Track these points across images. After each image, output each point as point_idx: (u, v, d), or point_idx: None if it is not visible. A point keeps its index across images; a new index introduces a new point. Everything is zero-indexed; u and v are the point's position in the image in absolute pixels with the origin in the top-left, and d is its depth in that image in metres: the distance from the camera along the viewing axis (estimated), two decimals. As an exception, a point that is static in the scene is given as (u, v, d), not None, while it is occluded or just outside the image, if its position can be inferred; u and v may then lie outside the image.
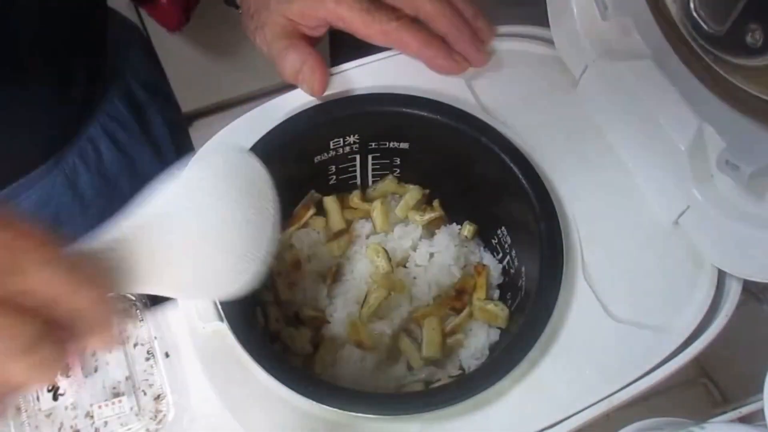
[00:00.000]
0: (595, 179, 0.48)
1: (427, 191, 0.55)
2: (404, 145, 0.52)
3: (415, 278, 0.51)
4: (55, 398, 0.42)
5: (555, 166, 0.48)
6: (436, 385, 0.47)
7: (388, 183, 0.54)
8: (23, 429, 0.42)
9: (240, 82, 1.56)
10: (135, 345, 0.45)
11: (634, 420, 0.41)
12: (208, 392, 0.41)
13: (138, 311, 0.46)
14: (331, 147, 0.51)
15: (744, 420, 0.45)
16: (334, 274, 0.51)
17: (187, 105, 1.63)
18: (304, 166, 0.51)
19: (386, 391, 0.47)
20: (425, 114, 0.48)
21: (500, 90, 0.52)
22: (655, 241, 0.47)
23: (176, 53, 1.45)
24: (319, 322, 0.49)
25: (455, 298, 0.50)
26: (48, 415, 0.42)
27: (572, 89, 0.52)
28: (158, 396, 0.43)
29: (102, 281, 0.28)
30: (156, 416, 0.42)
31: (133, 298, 0.46)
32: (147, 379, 0.44)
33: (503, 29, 0.54)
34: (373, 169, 0.54)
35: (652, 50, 0.46)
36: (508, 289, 0.51)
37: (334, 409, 0.39)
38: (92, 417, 0.42)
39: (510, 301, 0.49)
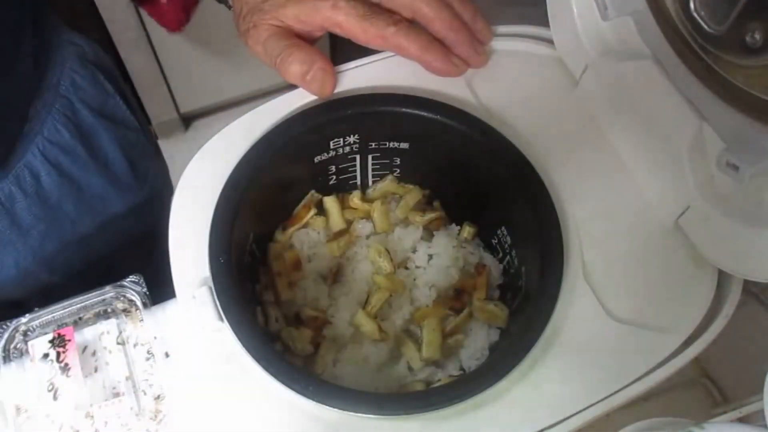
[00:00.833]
0: (595, 179, 0.48)
1: (427, 191, 0.55)
2: (404, 145, 0.52)
3: (415, 279, 0.51)
4: (55, 398, 0.42)
5: (555, 166, 0.48)
6: (437, 385, 0.47)
7: (388, 183, 0.54)
8: (23, 429, 0.42)
9: (240, 82, 1.56)
10: (135, 345, 0.45)
11: (634, 420, 0.41)
12: (208, 392, 0.41)
13: (138, 311, 0.46)
14: (331, 147, 0.51)
15: (744, 420, 0.45)
16: (335, 275, 0.51)
17: (186, 105, 1.64)
18: (304, 166, 0.51)
19: (387, 391, 0.47)
20: (425, 114, 0.48)
21: (500, 90, 0.52)
22: (655, 241, 0.47)
23: (176, 53, 1.46)
24: (319, 322, 0.49)
25: (454, 298, 0.50)
26: (48, 415, 0.42)
27: (572, 89, 0.52)
28: (158, 396, 0.43)
29: None
30: (156, 416, 0.42)
31: (133, 298, 0.46)
32: (147, 379, 0.44)
33: (503, 29, 0.54)
34: (373, 170, 0.54)
35: (652, 50, 0.46)
36: (508, 289, 0.51)
37: (335, 409, 0.39)
38: (92, 417, 0.42)
39: (510, 302, 0.49)
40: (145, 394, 0.43)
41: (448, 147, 0.50)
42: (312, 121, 0.48)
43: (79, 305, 0.46)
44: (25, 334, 0.45)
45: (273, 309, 0.49)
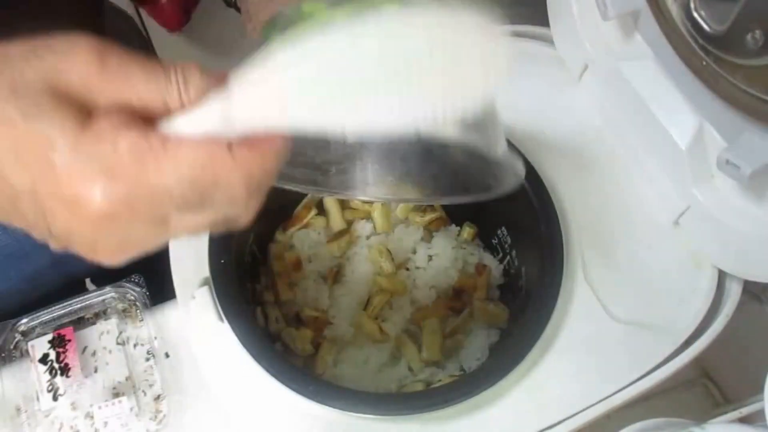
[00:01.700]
0: (596, 179, 0.48)
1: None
2: (404, 145, 0.52)
3: (415, 280, 0.51)
4: (55, 398, 0.42)
5: (555, 166, 0.48)
6: (436, 385, 0.47)
7: (388, 183, 0.54)
8: (23, 429, 0.42)
9: (240, 83, 1.56)
10: (135, 345, 0.45)
11: (634, 420, 0.41)
12: (208, 392, 0.41)
13: (138, 311, 0.46)
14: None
15: (744, 420, 0.45)
16: (335, 275, 0.51)
17: (187, 105, 1.63)
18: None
19: (387, 391, 0.47)
20: (425, 114, 0.48)
21: (500, 90, 0.52)
22: (655, 241, 0.46)
23: (176, 53, 1.45)
24: (320, 322, 0.49)
25: (454, 297, 0.50)
26: (48, 415, 0.42)
27: (572, 89, 0.52)
28: (158, 396, 0.43)
29: None
30: (156, 416, 0.42)
31: (133, 298, 0.46)
32: (147, 379, 0.44)
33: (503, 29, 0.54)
34: (373, 169, 0.54)
35: (652, 50, 0.46)
36: (508, 289, 0.51)
37: (335, 410, 0.39)
38: (92, 417, 0.42)
39: (510, 302, 0.49)
40: (145, 394, 0.43)
41: (448, 147, 0.50)
42: (312, 121, 0.48)
43: (79, 305, 0.46)
44: (25, 334, 0.45)
45: (273, 309, 0.49)
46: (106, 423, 0.42)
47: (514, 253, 0.50)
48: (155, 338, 0.45)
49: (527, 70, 0.53)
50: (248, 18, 0.53)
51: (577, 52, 0.51)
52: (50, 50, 0.26)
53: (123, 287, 0.47)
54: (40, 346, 0.43)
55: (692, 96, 0.43)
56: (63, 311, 0.46)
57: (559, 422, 0.40)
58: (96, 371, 0.43)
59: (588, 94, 0.51)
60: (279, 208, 0.52)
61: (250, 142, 0.26)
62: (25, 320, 0.45)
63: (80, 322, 0.45)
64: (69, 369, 0.43)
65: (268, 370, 0.40)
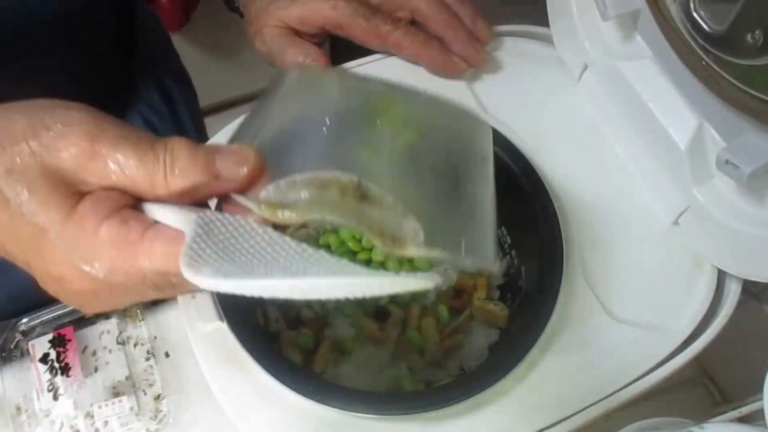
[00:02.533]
0: (595, 179, 0.48)
1: (427, 191, 0.54)
2: (404, 145, 0.52)
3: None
4: (55, 398, 0.42)
5: (555, 166, 0.48)
6: (437, 385, 0.47)
7: (388, 183, 0.54)
8: (23, 429, 0.42)
9: (240, 83, 1.56)
10: (135, 345, 0.45)
11: (634, 420, 0.41)
12: (208, 392, 0.41)
13: (138, 311, 0.46)
14: (331, 147, 0.51)
15: (744, 420, 0.45)
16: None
17: (187, 105, 1.63)
18: (304, 166, 0.51)
19: (387, 391, 0.47)
20: (425, 114, 0.48)
21: (500, 90, 0.52)
22: (655, 241, 0.47)
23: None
24: (320, 323, 0.49)
25: (454, 297, 0.50)
26: (48, 415, 0.42)
27: (572, 89, 0.52)
28: (158, 396, 0.43)
29: None
30: (156, 416, 0.42)
31: (133, 298, 0.46)
32: (147, 379, 0.44)
33: (503, 29, 0.54)
34: (373, 169, 0.54)
35: (652, 50, 0.46)
36: (508, 289, 0.51)
37: (335, 409, 0.39)
38: (92, 417, 0.42)
39: (510, 302, 0.49)
40: (145, 394, 0.43)
41: (448, 147, 0.50)
42: (312, 121, 0.48)
43: (79, 305, 0.46)
44: (25, 334, 0.45)
45: (272, 310, 0.49)
46: (106, 423, 0.42)
47: (513, 253, 0.50)
48: (155, 338, 0.45)
49: (527, 70, 0.53)
50: (249, 23, 0.53)
51: (577, 52, 0.51)
52: (47, 128, 0.28)
53: (123, 287, 0.46)
54: (41, 345, 0.43)
55: (692, 96, 0.43)
56: (63, 311, 0.46)
57: (559, 422, 0.40)
58: (96, 371, 0.43)
59: (588, 94, 0.51)
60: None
61: None
62: (25, 320, 0.45)
63: (80, 322, 0.45)
64: (69, 369, 0.43)
65: (268, 370, 0.40)
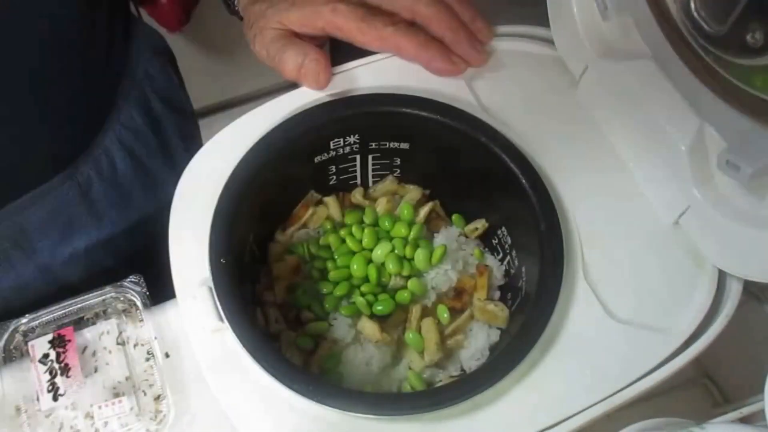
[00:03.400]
0: (596, 179, 0.48)
1: (428, 191, 0.54)
2: (405, 146, 0.52)
3: (415, 279, 0.51)
4: (55, 398, 0.42)
5: (555, 166, 0.48)
6: (437, 385, 0.47)
7: (389, 183, 0.54)
8: (23, 429, 0.42)
9: (240, 82, 1.56)
10: (135, 345, 0.45)
11: (634, 420, 0.41)
12: (208, 392, 0.41)
13: (138, 311, 0.46)
14: (332, 147, 0.51)
15: (744, 420, 0.45)
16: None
17: (187, 105, 1.63)
18: (304, 166, 0.51)
19: (387, 392, 0.47)
20: (425, 114, 0.48)
21: (500, 90, 0.52)
22: (655, 241, 0.46)
23: (176, 53, 1.45)
24: (320, 323, 0.49)
25: (454, 298, 0.50)
26: (48, 415, 0.42)
27: (572, 89, 0.52)
28: (158, 396, 0.43)
29: None
30: (156, 416, 0.42)
31: (133, 298, 0.46)
32: (147, 379, 0.44)
33: (503, 29, 0.54)
34: (373, 170, 0.54)
35: (652, 50, 0.46)
36: (508, 289, 0.51)
37: (335, 410, 0.39)
38: (92, 417, 0.42)
39: (510, 302, 0.49)
40: (145, 394, 0.43)
41: (449, 147, 0.50)
42: (312, 122, 0.48)
43: (79, 305, 0.46)
44: (25, 334, 0.45)
45: (273, 310, 0.49)
46: (106, 423, 0.42)
47: (514, 253, 0.50)
48: (155, 338, 0.45)
49: (527, 70, 0.53)
50: (249, 26, 0.53)
51: (577, 52, 0.51)
52: None
53: (123, 287, 0.47)
54: (40, 346, 0.43)
55: (692, 96, 0.43)
56: (63, 311, 0.46)
57: (559, 422, 0.40)
58: (96, 371, 0.43)
59: (588, 94, 0.51)
60: (279, 207, 0.52)
61: None
62: (25, 320, 0.45)
63: (80, 322, 0.45)
64: (69, 369, 0.43)
65: (268, 370, 0.40)
